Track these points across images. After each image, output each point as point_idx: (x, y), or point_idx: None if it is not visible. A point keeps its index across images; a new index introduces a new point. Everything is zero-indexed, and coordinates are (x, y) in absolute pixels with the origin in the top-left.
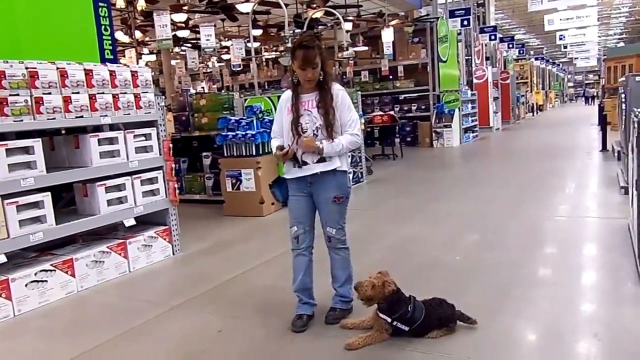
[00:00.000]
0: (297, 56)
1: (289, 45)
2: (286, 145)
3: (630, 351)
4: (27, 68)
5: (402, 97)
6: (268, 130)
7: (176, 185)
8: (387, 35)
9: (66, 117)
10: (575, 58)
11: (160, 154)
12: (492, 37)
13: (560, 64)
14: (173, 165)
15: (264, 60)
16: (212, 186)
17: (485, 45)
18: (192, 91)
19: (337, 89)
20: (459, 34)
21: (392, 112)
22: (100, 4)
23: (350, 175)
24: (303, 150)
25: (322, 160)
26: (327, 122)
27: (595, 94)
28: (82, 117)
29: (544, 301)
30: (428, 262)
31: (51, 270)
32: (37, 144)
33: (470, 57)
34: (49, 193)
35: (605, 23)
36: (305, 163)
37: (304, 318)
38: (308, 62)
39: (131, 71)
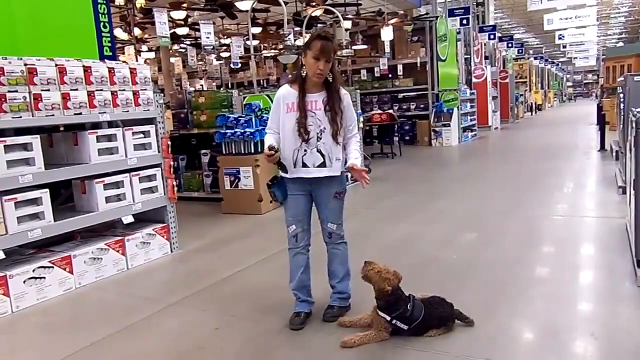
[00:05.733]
0: (313, 46)
1: (288, 43)
2: (276, 145)
3: (627, 350)
4: (25, 64)
5: (401, 95)
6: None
7: (174, 183)
8: (387, 34)
9: (65, 113)
10: (575, 58)
11: (158, 152)
12: (491, 36)
13: (559, 64)
14: (171, 163)
15: (263, 58)
16: (211, 184)
17: (485, 44)
18: (191, 89)
19: (344, 92)
20: (458, 33)
21: (391, 111)
22: (99, 0)
23: (348, 174)
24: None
25: (322, 164)
26: (334, 127)
27: None
28: (80, 114)
29: (540, 300)
30: (425, 260)
31: (49, 267)
32: (35, 140)
33: (469, 56)
34: (47, 190)
35: (605, 23)
36: (305, 165)
37: (302, 316)
38: (325, 52)
39: (130, 68)
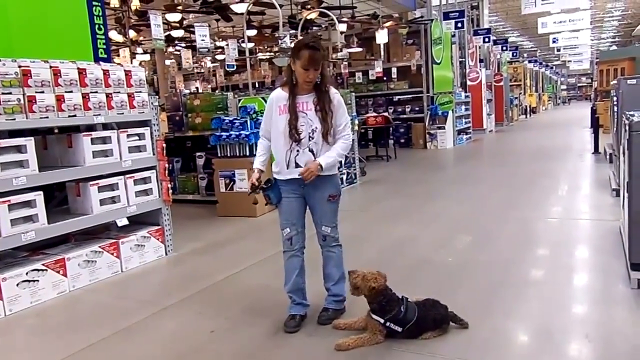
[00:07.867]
0: (302, 55)
1: (284, 46)
2: (261, 167)
3: (621, 352)
4: (20, 66)
5: (396, 98)
6: None
7: (169, 185)
8: (382, 37)
9: (59, 116)
10: (569, 61)
11: (153, 154)
12: (486, 39)
13: (554, 67)
14: (166, 165)
15: (258, 60)
16: (206, 186)
17: (479, 47)
18: (186, 91)
19: (334, 92)
20: (453, 36)
21: (386, 114)
22: (94, 2)
23: (344, 177)
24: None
25: None
26: (325, 126)
27: None
28: (75, 116)
29: (535, 302)
30: (420, 263)
31: (43, 270)
32: (29, 142)
33: (464, 59)
34: (41, 192)
35: (598, 26)
36: (298, 166)
37: (297, 318)
38: (313, 63)
39: (125, 70)
